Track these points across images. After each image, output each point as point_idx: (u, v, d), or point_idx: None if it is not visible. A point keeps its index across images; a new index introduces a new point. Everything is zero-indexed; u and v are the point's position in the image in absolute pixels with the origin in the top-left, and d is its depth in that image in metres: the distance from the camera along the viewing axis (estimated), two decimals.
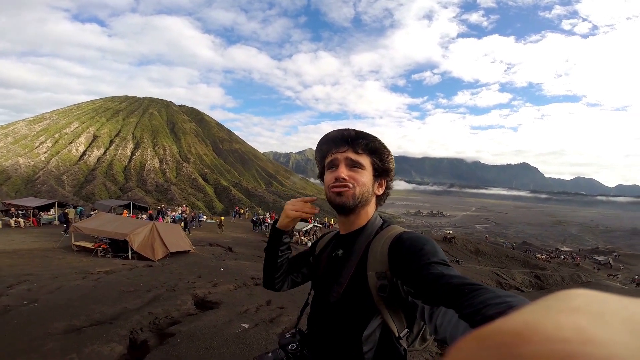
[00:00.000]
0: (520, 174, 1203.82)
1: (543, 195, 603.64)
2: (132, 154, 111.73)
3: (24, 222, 17.93)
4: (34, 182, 78.98)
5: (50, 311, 4.50)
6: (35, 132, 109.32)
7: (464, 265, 24.66)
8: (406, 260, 0.81)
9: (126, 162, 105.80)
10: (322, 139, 1.09)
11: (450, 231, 62.88)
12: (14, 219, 17.71)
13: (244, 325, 4.61)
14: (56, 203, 21.69)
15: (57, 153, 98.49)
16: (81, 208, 23.97)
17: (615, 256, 55.16)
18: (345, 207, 0.98)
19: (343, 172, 0.97)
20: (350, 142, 1.00)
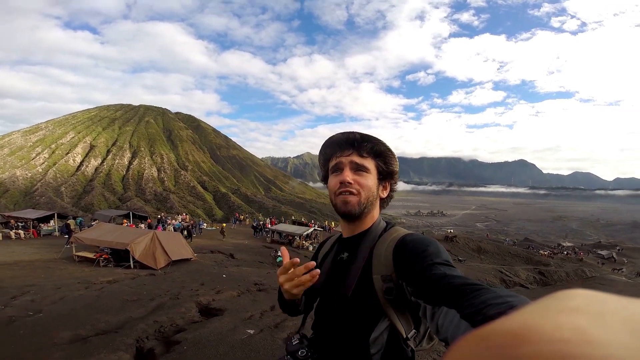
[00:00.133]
0: (518, 171, 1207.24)
1: (542, 191, 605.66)
2: (130, 163, 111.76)
3: (24, 233, 17.88)
4: (32, 194, 78.90)
5: (55, 321, 4.48)
6: (31, 143, 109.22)
7: (466, 264, 24.65)
8: (410, 262, 0.81)
9: (124, 172, 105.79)
10: (326, 141, 1.08)
11: (452, 230, 63.02)
12: (14, 230, 17.65)
13: (249, 331, 4.60)
14: (55, 214, 21.65)
15: (55, 164, 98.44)
16: (81, 219, 23.96)
17: (618, 250, 55.19)
18: (351, 215, 0.98)
19: (348, 175, 0.97)
20: (355, 145, 1.00)
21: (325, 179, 1.09)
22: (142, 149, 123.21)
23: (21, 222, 19.55)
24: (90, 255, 12.35)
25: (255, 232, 28.32)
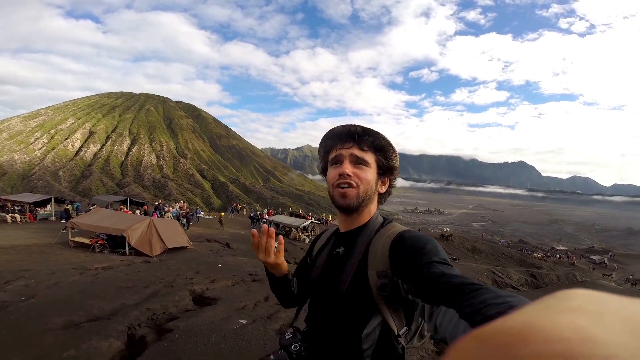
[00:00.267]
0: (517, 172, 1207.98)
1: (540, 194, 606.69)
2: (129, 149, 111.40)
3: (21, 217, 17.83)
4: (30, 177, 78.65)
5: (48, 307, 4.49)
6: (30, 128, 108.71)
7: (460, 263, 24.77)
8: (407, 259, 0.81)
9: (123, 158, 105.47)
10: (327, 133, 1.07)
11: (448, 229, 63.17)
12: (10, 214, 17.60)
13: (242, 321, 4.62)
14: (52, 199, 21.59)
15: (53, 149, 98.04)
16: (78, 204, 23.92)
17: (611, 256, 55.62)
18: (349, 208, 0.97)
19: (347, 168, 0.96)
20: (356, 138, 0.99)
21: (324, 171, 1.08)
22: (142, 136, 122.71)
23: (18, 206, 19.50)
24: (86, 240, 12.33)
25: (253, 222, 28.34)
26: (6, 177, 77.09)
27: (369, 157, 0.99)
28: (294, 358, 1.02)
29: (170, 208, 28.10)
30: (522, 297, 0.46)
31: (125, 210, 22.03)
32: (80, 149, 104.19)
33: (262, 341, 4.02)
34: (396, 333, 0.89)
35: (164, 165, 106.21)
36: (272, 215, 30.16)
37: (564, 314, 0.18)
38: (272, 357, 1.04)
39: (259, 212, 32.48)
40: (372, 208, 1.03)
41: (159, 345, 3.67)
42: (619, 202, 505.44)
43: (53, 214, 20.35)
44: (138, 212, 22.62)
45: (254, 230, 1.04)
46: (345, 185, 0.96)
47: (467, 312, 0.49)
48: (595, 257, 50.93)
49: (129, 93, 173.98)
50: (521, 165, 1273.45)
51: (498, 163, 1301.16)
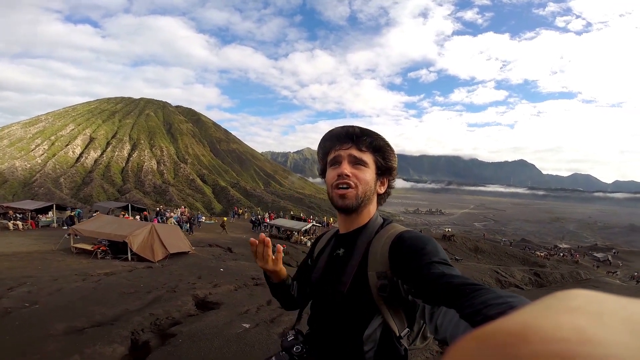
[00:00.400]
0: (518, 171, 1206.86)
1: (541, 192, 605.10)
2: (129, 155, 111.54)
3: (23, 225, 17.86)
4: (31, 184, 78.77)
5: (51, 313, 4.49)
6: (31, 135, 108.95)
7: (463, 263, 24.69)
8: (407, 259, 0.81)
9: (123, 164, 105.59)
10: (325, 135, 1.08)
11: (449, 229, 63.12)
12: (12, 221, 17.64)
13: (245, 325, 4.61)
14: (54, 205, 21.62)
15: (54, 155, 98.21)
16: (79, 210, 23.94)
17: (614, 253, 55.27)
18: (348, 209, 0.98)
19: (346, 168, 0.97)
20: (355, 139, 1.00)
21: (323, 173, 1.08)
22: (142, 141, 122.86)
23: (19, 213, 19.53)
24: (88, 247, 12.35)
25: (254, 226, 28.35)
26: (7, 185, 77.21)
27: (368, 158, 1.00)
28: None
29: (172, 214, 28.15)
30: (522, 297, 0.46)
31: (126, 216, 22.05)
32: (80, 155, 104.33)
33: (265, 345, 4.01)
34: (398, 334, 0.89)
35: (164, 171, 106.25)
36: (274, 219, 30.15)
37: (563, 314, 0.18)
38: (274, 359, 1.04)
39: (260, 216, 32.46)
40: (372, 209, 1.04)
41: (163, 350, 3.66)
42: (621, 198, 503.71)
43: (55, 221, 20.37)
44: (138, 217, 22.62)
45: (253, 239, 1.07)
46: (344, 186, 0.96)
47: (467, 312, 0.49)
48: (599, 255, 50.59)
49: (129, 98, 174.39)
50: (521, 164, 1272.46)
51: (498, 162, 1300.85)
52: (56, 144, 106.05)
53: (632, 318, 0.18)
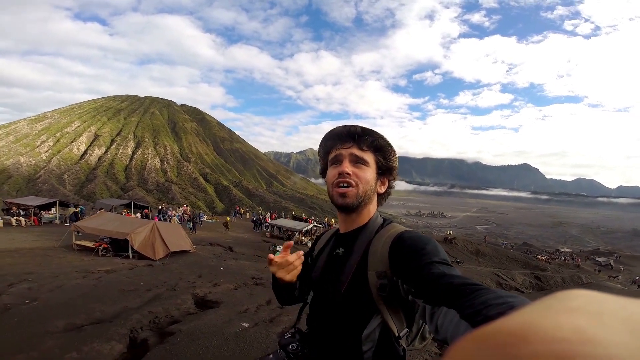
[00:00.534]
0: (521, 175, 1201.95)
1: (544, 197, 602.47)
2: (133, 153, 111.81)
3: (25, 221, 17.94)
4: (35, 181, 79.10)
5: (51, 310, 4.50)
6: (36, 131, 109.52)
7: (464, 266, 24.62)
8: (407, 259, 0.81)
9: (127, 162, 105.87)
10: (327, 134, 1.08)
11: (451, 232, 62.84)
12: (15, 217, 17.72)
13: (244, 324, 4.61)
14: (57, 202, 21.69)
15: (59, 152, 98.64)
16: (82, 207, 24.00)
17: (616, 257, 55.05)
18: (348, 207, 0.97)
19: (347, 167, 0.97)
20: (356, 138, 1.00)
21: (324, 172, 1.08)
22: (146, 139, 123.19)
23: (22, 209, 19.61)
24: (90, 244, 12.38)
25: (255, 226, 28.36)
26: (12, 181, 77.56)
27: (369, 157, 0.99)
28: (292, 358, 1.02)
29: (174, 212, 28.23)
30: (523, 298, 0.46)
31: (128, 213, 22.13)
32: (85, 152, 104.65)
33: (264, 344, 4.01)
34: (396, 334, 0.88)
35: (167, 169, 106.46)
36: (275, 219, 30.16)
37: (563, 314, 0.18)
38: (271, 356, 1.04)
39: (261, 216, 32.47)
40: (372, 208, 1.03)
41: (161, 348, 3.67)
42: (625, 204, 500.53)
43: (57, 218, 20.43)
44: (138, 215, 22.66)
45: (271, 255, 1.01)
46: (345, 185, 0.96)
47: (468, 312, 0.49)
48: (601, 259, 50.42)
49: (135, 96, 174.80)
50: (525, 168, 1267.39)
51: (502, 166, 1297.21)
52: (61, 140, 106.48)
53: (632, 318, 0.18)
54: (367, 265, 0.91)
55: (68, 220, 18.95)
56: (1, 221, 16.76)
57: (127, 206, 25.84)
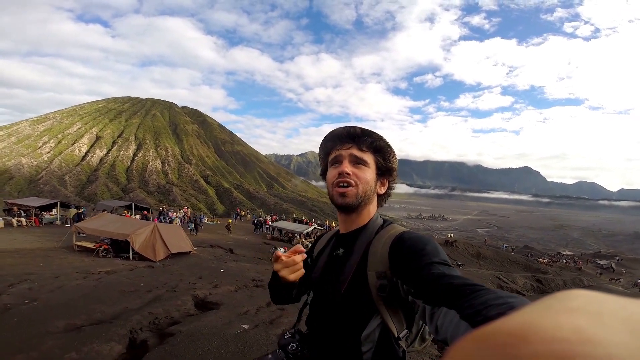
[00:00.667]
0: (522, 178, 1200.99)
1: (545, 199, 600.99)
2: (135, 155, 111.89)
3: (26, 221, 17.98)
4: (36, 182, 79.20)
5: (51, 310, 4.50)
6: (38, 132, 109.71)
7: (465, 269, 24.56)
8: (407, 259, 0.81)
9: (128, 163, 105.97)
10: (327, 135, 1.08)
11: (452, 235, 62.67)
12: (16, 218, 17.75)
13: (244, 326, 4.60)
14: (58, 203, 21.73)
15: (60, 153, 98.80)
16: (84, 209, 24.04)
17: (618, 260, 54.90)
18: (348, 207, 0.98)
19: (347, 167, 0.97)
20: (356, 139, 1.00)
21: (324, 173, 1.08)
22: (148, 141, 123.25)
23: (24, 210, 19.65)
24: (90, 245, 12.39)
25: (256, 228, 28.36)
26: (13, 181, 77.64)
27: (368, 158, 1.00)
28: (291, 358, 1.02)
29: (175, 213, 28.27)
30: (522, 298, 0.46)
31: (127, 215, 22.15)
32: (86, 153, 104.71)
33: (263, 346, 4.00)
34: (396, 335, 0.88)
35: (168, 171, 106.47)
36: (276, 222, 30.16)
37: (563, 314, 0.18)
38: (270, 356, 1.03)
39: (262, 218, 32.47)
40: (372, 209, 1.04)
41: (160, 349, 3.66)
42: (626, 206, 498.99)
43: (58, 219, 20.46)
44: (138, 216, 22.66)
45: (279, 252, 1.02)
46: (345, 184, 0.96)
47: (467, 313, 0.49)
48: (603, 262, 50.19)
49: (136, 98, 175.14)
50: (526, 171, 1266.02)
51: (503, 169, 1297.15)
52: (63, 142, 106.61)
53: (632, 318, 0.18)
54: (367, 265, 0.91)
55: (71, 222, 18.97)
56: (2, 222, 16.80)
57: (128, 208, 25.87)
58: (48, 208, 21.01)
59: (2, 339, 3.53)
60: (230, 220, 27.45)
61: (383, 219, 1.05)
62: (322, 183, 1.13)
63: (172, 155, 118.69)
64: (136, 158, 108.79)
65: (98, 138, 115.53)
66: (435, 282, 0.66)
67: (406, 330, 0.90)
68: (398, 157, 1.07)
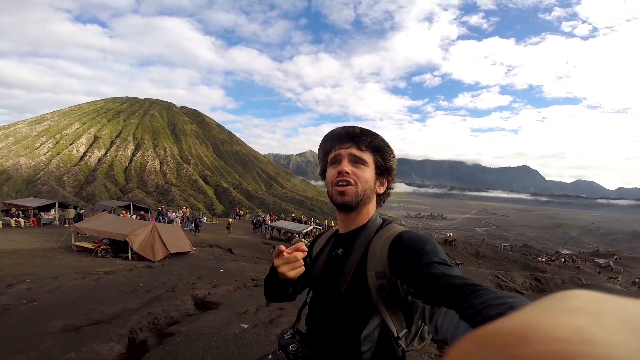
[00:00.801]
0: (521, 177, 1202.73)
1: (543, 198, 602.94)
2: (133, 155, 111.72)
3: (25, 222, 17.93)
4: (34, 182, 79.04)
5: (50, 310, 4.49)
6: (36, 133, 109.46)
7: (464, 268, 24.63)
8: (406, 259, 0.81)
9: (127, 163, 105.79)
10: (326, 135, 1.09)
11: (451, 234, 62.78)
12: (14, 219, 17.70)
13: (243, 325, 4.60)
14: (57, 203, 21.67)
15: (58, 154, 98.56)
16: (80, 208, 23.98)
17: (616, 259, 55.03)
18: (347, 206, 0.98)
19: (346, 166, 0.97)
20: (355, 138, 1.01)
21: (324, 173, 1.09)
22: (146, 141, 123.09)
23: (22, 210, 19.59)
24: (89, 245, 12.35)
25: (255, 227, 28.36)
26: (11, 182, 77.47)
27: (367, 157, 1.00)
28: (292, 358, 1.02)
29: (174, 213, 28.24)
30: (522, 298, 0.46)
31: (124, 215, 22.11)
32: (84, 154, 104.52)
33: (263, 345, 4.00)
34: (395, 335, 0.88)
35: (167, 171, 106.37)
36: (275, 221, 30.16)
37: (563, 314, 0.18)
38: (270, 357, 1.04)
39: (261, 218, 32.46)
40: (371, 209, 1.04)
41: (160, 349, 3.65)
42: (624, 205, 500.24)
43: (57, 219, 20.42)
44: (134, 217, 22.61)
45: (282, 246, 1.01)
46: (344, 183, 0.97)
47: (467, 313, 0.49)
48: (601, 261, 50.38)
49: (134, 98, 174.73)
50: (525, 170, 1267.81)
51: (501, 168, 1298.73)
52: (61, 142, 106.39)
53: (632, 318, 0.18)
54: (366, 265, 0.91)
55: (70, 222, 18.92)
56: (0, 222, 16.74)
57: (127, 208, 25.82)
58: (46, 208, 20.95)
59: (1, 339, 3.52)
60: (230, 220, 27.47)
61: (382, 219, 1.05)
62: (321, 182, 1.13)
63: (171, 155, 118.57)
64: (134, 158, 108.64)
65: (96, 138, 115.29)
66: (435, 282, 0.66)
67: (405, 330, 0.91)
68: (397, 157, 1.07)
